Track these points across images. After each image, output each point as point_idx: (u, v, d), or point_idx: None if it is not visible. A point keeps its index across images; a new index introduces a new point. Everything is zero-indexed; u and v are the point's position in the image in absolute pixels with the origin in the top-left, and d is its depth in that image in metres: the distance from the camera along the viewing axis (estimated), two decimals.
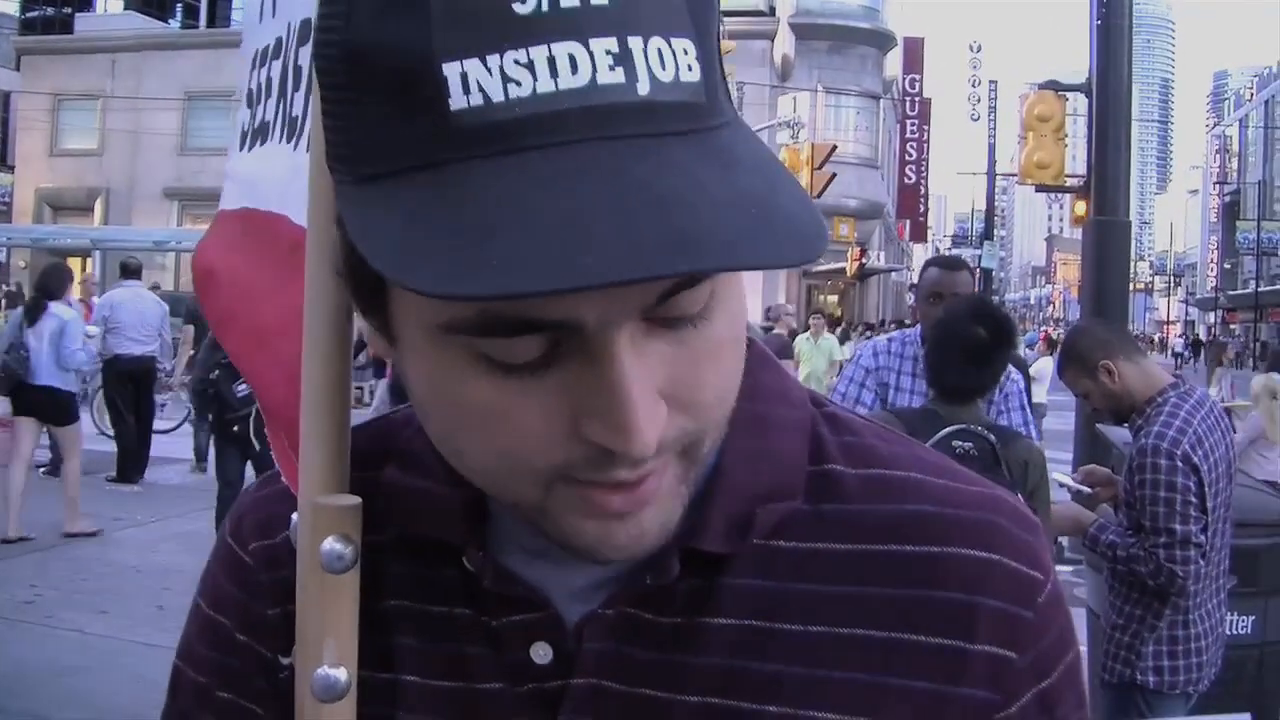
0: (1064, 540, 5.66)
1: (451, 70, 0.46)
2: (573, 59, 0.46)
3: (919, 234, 42.39)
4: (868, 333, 20.01)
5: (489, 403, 0.52)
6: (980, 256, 34.96)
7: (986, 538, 0.62)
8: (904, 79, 37.26)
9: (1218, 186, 72.08)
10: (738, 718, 0.60)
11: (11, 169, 34.19)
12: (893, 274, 38.99)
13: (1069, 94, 10.29)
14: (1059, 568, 0.67)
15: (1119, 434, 3.63)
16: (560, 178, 0.45)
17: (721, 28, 0.55)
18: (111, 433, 9.45)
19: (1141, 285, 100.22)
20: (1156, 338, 78.32)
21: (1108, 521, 2.96)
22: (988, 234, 38.40)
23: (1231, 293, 61.12)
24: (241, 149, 0.93)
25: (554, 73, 0.46)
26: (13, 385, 7.33)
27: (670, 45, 0.48)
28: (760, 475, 0.63)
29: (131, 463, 9.10)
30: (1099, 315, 6.91)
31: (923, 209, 40.69)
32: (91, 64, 32.24)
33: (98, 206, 31.95)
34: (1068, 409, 9.44)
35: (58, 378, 7.40)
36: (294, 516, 0.66)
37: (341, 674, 0.63)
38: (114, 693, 4.51)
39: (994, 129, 44.50)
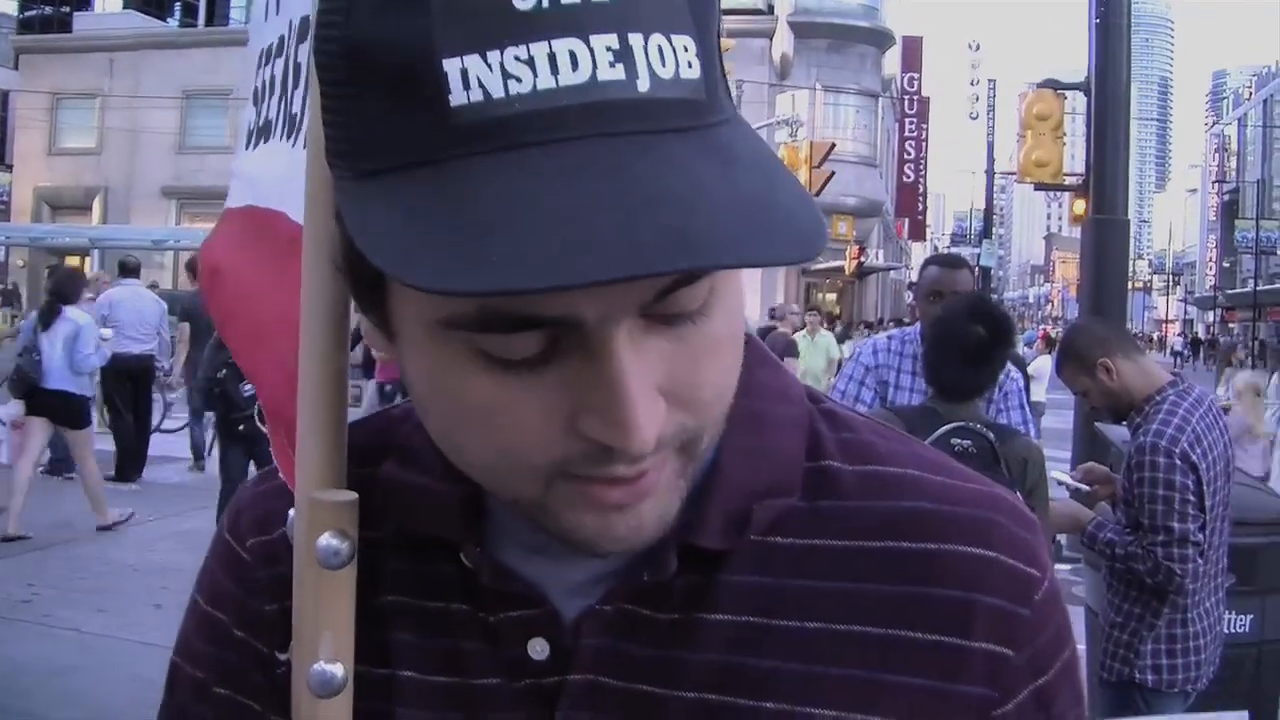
0: (1062, 538, 5.67)
1: (452, 66, 0.46)
2: (573, 55, 0.46)
3: (917, 232, 42.41)
4: (868, 331, 19.99)
5: (488, 399, 0.52)
6: (979, 255, 34.99)
7: (984, 535, 0.62)
8: (903, 77, 37.28)
9: (1216, 185, 71.97)
10: (735, 714, 0.60)
11: (10, 168, 34.16)
12: (891, 272, 38.97)
13: (1068, 93, 10.29)
14: (1057, 566, 0.67)
15: (1117, 432, 3.64)
16: (560, 174, 0.45)
17: (721, 25, 0.55)
18: (110, 431, 9.43)
19: (1140, 284, 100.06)
20: (1155, 336, 78.35)
21: (1106, 519, 2.96)
22: (986, 232, 38.46)
23: (1230, 291, 61.02)
24: (247, 147, 0.93)
25: (554, 69, 0.46)
26: (27, 388, 7.36)
27: (670, 42, 0.48)
28: (758, 471, 0.63)
29: (130, 461, 9.08)
30: (1098, 314, 6.92)
31: (921, 207, 40.69)
32: (90, 63, 32.23)
33: (96, 205, 31.92)
34: (1066, 407, 9.45)
35: (70, 382, 7.42)
36: (291, 512, 0.66)
37: (338, 669, 0.63)
38: (111, 692, 4.49)
39: (993, 127, 44.54)
